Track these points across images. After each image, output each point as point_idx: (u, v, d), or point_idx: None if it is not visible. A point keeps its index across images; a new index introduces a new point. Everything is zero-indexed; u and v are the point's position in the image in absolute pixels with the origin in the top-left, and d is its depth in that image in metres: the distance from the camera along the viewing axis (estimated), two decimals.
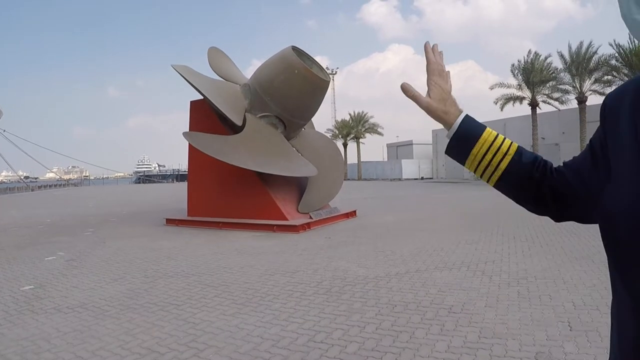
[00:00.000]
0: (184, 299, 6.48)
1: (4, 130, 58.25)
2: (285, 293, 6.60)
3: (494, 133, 1.32)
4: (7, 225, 16.97)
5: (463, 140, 1.33)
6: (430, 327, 4.99)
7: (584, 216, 1.20)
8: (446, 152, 1.41)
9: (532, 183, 1.25)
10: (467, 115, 1.35)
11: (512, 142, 1.31)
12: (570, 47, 33.28)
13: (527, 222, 13.02)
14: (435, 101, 1.36)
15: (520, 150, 1.29)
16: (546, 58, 35.47)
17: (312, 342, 4.66)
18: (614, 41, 30.16)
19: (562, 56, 33.73)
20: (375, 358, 4.23)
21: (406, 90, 1.40)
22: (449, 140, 1.36)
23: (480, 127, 1.33)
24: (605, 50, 46.65)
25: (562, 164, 1.25)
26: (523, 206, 1.32)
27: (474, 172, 1.34)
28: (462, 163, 1.37)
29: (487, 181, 1.33)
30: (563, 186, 1.20)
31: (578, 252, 8.75)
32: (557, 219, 1.28)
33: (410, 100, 1.40)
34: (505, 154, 1.28)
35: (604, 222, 1.02)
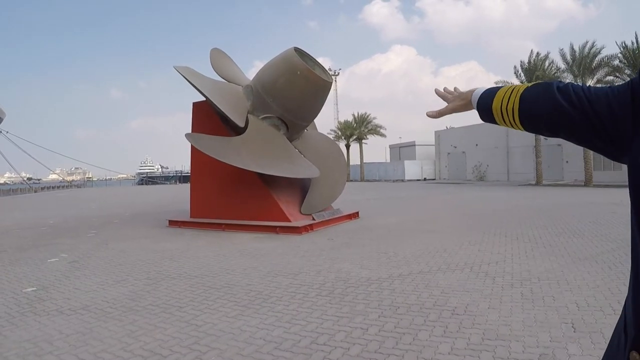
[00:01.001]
0: (186, 300, 6.48)
1: (7, 132, 58.29)
2: (288, 295, 6.59)
3: (512, 84, 1.55)
4: (10, 227, 16.99)
5: (484, 106, 1.57)
6: (434, 329, 4.98)
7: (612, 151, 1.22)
8: (481, 117, 1.63)
9: (558, 109, 1.28)
10: (484, 90, 1.61)
11: (526, 84, 1.47)
12: (572, 47, 33.23)
13: (530, 222, 13.00)
14: (453, 102, 1.76)
15: (534, 84, 1.41)
16: (545, 57, 35.39)
17: (315, 344, 4.65)
18: (622, 43, 30.09)
19: (563, 56, 33.68)
20: None
21: (438, 114, 1.82)
22: (476, 106, 1.63)
23: (494, 89, 1.56)
24: (607, 50, 46.66)
25: (582, 90, 1.25)
26: (559, 137, 1.37)
27: (504, 122, 1.51)
28: (494, 121, 1.56)
29: (513, 122, 1.45)
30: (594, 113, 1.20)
31: (581, 253, 8.73)
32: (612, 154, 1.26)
33: (443, 115, 1.81)
34: (518, 91, 1.43)
35: (633, 170, 1.09)
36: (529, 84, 1.41)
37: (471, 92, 1.66)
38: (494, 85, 1.60)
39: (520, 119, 1.41)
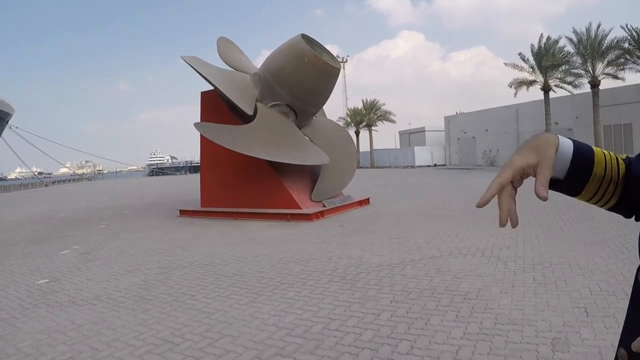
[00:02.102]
0: (198, 289, 6.52)
1: (17, 127, 58.70)
2: (300, 281, 6.61)
3: (602, 151, 1.13)
4: (22, 220, 17.15)
5: (578, 172, 1.10)
6: (446, 314, 4.98)
7: None
8: (553, 189, 1.14)
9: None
10: (573, 142, 1.09)
11: (617, 156, 1.14)
12: (576, 30, 32.74)
13: (542, 207, 12.92)
14: (518, 153, 1.10)
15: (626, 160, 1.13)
16: (556, 42, 34.86)
17: (327, 330, 4.67)
18: (626, 25, 29.64)
19: (571, 40, 33.20)
20: (390, 345, 4.23)
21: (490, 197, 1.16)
22: (564, 178, 1.11)
23: (591, 150, 1.12)
24: (618, 32, 45.95)
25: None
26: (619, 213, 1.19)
27: (588, 200, 1.16)
28: (574, 195, 1.17)
29: (603, 206, 1.18)
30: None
31: (593, 237, 8.68)
32: None
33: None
34: (618, 163, 1.12)
35: None
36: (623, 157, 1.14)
37: (547, 140, 1.07)
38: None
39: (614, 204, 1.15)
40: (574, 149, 1.08)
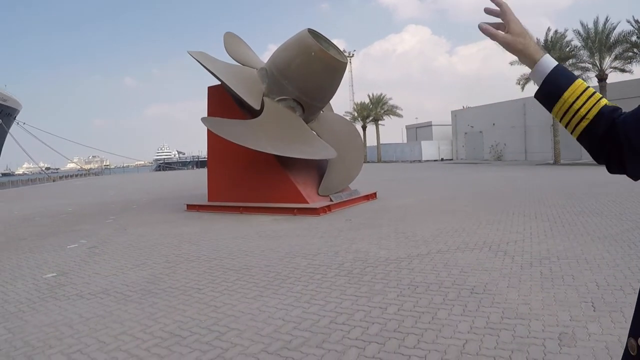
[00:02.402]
0: (205, 282, 6.54)
1: (24, 123, 58.97)
2: (307, 275, 6.63)
3: (585, 84, 1.32)
4: (30, 215, 17.25)
5: (554, 85, 1.34)
6: (453, 308, 4.98)
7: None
8: (535, 96, 1.43)
9: (613, 135, 1.23)
10: (558, 64, 1.36)
11: (602, 96, 1.30)
12: (583, 24, 32.46)
13: (549, 202, 12.88)
14: (513, 35, 1.39)
15: (609, 105, 1.28)
16: (563, 36, 34.56)
17: (334, 324, 4.68)
18: (633, 18, 29.38)
19: (579, 33, 32.91)
20: (397, 339, 4.23)
21: (484, 30, 1.42)
22: (540, 84, 1.38)
23: (573, 76, 1.34)
24: (625, 26, 45.58)
25: (628, 115, 1.21)
26: (602, 163, 1.31)
27: (560, 120, 1.36)
28: (550, 109, 1.39)
29: (572, 131, 1.33)
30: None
31: (601, 231, 8.64)
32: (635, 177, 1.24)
33: (490, 39, 1.42)
34: (596, 103, 1.28)
35: None
36: (610, 104, 1.28)
37: (538, 49, 1.39)
38: (564, 66, 1.38)
39: (583, 133, 1.30)
40: (550, 73, 1.35)
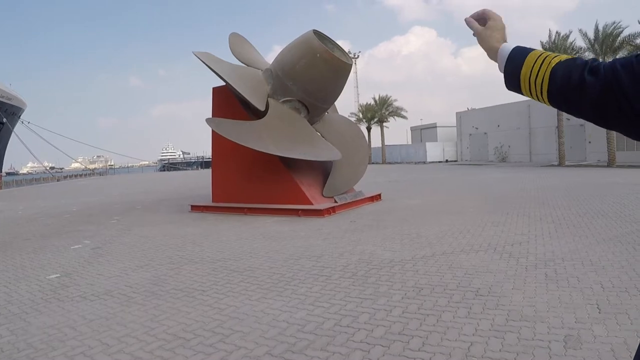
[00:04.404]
0: (209, 284, 6.54)
1: (29, 122, 59.00)
2: (311, 277, 6.62)
3: (539, 52, 1.35)
4: (34, 215, 17.28)
5: (513, 65, 1.39)
6: (458, 310, 4.97)
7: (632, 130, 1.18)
8: (506, 86, 1.46)
9: (586, 88, 1.19)
10: (516, 46, 1.42)
11: (558, 55, 1.31)
12: (596, 26, 32.34)
13: (554, 203, 12.85)
14: (486, 28, 1.51)
15: (567, 59, 1.28)
16: (566, 37, 34.40)
17: (338, 327, 4.68)
18: (638, 21, 29.28)
19: (585, 35, 32.80)
20: (402, 342, 4.22)
21: (468, 22, 1.57)
22: (503, 72, 1.43)
23: (528, 50, 1.38)
24: (631, 29, 45.45)
25: (617, 64, 1.17)
26: (589, 120, 1.28)
27: (530, 94, 1.37)
28: (520, 91, 1.41)
29: (540, 96, 1.33)
30: (618, 89, 1.13)
31: (606, 233, 8.61)
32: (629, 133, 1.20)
33: (473, 30, 1.56)
34: (549, 63, 1.29)
35: None
36: (562, 59, 1.28)
37: (501, 40, 1.46)
38: (522, 45, 1.42)
39: (549, 96, 1.29)
40: (508, 56, 1.40)
